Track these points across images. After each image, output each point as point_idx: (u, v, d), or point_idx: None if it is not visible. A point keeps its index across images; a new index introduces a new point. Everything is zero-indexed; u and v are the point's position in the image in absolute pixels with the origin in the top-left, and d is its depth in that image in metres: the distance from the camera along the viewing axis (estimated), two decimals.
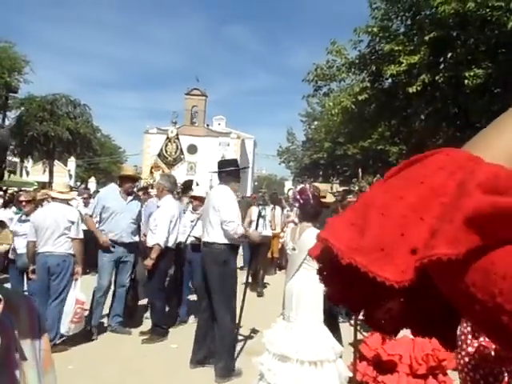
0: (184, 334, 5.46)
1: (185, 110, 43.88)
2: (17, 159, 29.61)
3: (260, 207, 9.07)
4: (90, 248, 6.43)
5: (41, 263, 5.04)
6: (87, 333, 5.35)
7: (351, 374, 3.31)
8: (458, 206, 0.37)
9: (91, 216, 5.82)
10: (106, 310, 5.74)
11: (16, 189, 14.12)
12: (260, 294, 8.58)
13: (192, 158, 41.52)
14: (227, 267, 4.49)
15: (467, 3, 8.22)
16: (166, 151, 10.69)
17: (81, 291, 5.08)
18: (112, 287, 5.77)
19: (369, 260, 0.39)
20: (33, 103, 27.05)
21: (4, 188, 12.58)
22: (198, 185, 7.79)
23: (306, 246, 3.37)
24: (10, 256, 6.39)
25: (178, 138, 10.95)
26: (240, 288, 4.81)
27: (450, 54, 9.28)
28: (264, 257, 9.48)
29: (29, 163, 34.72)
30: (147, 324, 5.87)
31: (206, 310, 4.62)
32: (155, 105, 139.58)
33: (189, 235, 6.23)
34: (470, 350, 2.24)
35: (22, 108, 27.28)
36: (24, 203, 6.39)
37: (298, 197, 3.73)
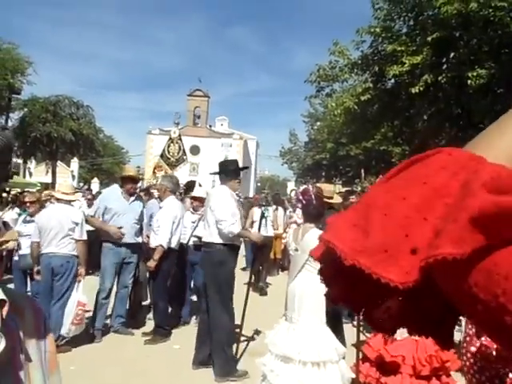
0: (186, 335, 5.46)
1: (187, 111, 43.93)
2: (20, 160, 29.69)
3: (263, 208, 9.07)
4: (94, 249, 6.45)
5: (44, 264, 5.05)
6: (89, 334, 5.35)
7: (354, 375, 3.31)
8: (463, 205, 0.37)
9: (93, 217, 5.82)
10: (108, 311, 5.75)
11: (19, 190, 14.17)
12: (263, 293, 8.61)
13: (194, 159, 41.55)
14: (223, 267, 4.48)
15: (470, 3, 8.21)
16: (169, 152, 10.70)
17: (83, 293, 5.09)
18: (114, 288, 5.77)
19: (372, 262, 0.38)
20: (36, 104, 27.15)
21: (7, 189, 12.62)
22: (200, 186, 7.78)
23: (308, 246, 3.36)
24: (15, 258, 6.42)
25: (180, 139, 10.96)
26: (243, 288, 4.81)
27: (452, 55, 9.25)
28: (266, 257, 9.48)
29: (32, 164, 34.85)
30: (150, 325, 5.87)
31: (207, 310, 4.63)
32: (158, 106, 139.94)
33: (191, 236, 6.23)
34: (473, 349, 2.23)
35: (25, 109, 27.39)
36: (28, 204, 6.41)
37: (301, 197, 3.73)
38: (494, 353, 2.12)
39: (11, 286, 5.85)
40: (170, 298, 5.88)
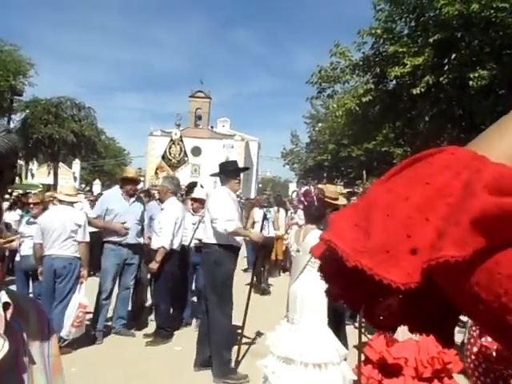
0: (188, 337, 5.46)
1: (189, 113, 44.04)
2: (22, 162, 29.74)
3: (265, 209, 9.09)
4: (95, 250, 6.45)
5: (47, 266, 5.06)
6: (91, 335, 5.35)
7: (356, 377, 3.30)
8: (465, 207, 0.37)
9: (95, 219, 5.83)
10: (109, 313, 5.75)
11: (21, 191, 14.17)
12: (265, 294, 8.62)
13: (196, 160, 41.62)
14: (220, 268, 4.47)
15: (471, 5, 8.20)
16: (170, 153, 10.72)
17: (85, 295, 5.08)
18: (116, 289, 5.77)
19: (374, 262, 0.38)
20: (38, 106, 27.21)
21: (9, 190, 12.63)
22: (202, 187, 7.79)
23: (310, 248, 3.36)
24: (16, 259, 6.42)
25: (181, 141, 10.98)
26: (244, 290, 4.80)
27: (454, 56, 9.24)
28: (268, 258, 9.48)
29: (34, 166, 34.91)
30: (151, 326, 5.87)
31: (206, 311, 4.63)
32: (159, 107, 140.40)
33: (192, 237, 6.23)
34: (475, 350, 2.23)
35: (27, 111, 27.45)
36: (32, 205, 6.42)
37: (303, 199, 3.73)
38: (494, 353, 2.11)
39: (13, 287, 5.86)
40: (172, 300, 5.88)
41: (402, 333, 2.93)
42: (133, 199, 5.84)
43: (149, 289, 6.59)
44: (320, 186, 5.31)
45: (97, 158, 36.25)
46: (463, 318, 0.49)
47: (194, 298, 6.60)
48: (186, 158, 10.93)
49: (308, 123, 32.81)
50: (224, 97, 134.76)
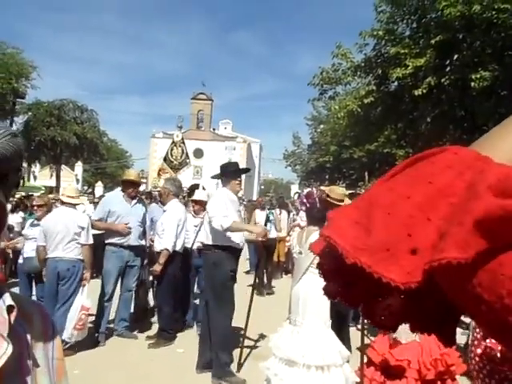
0: (190, 339, 5.46)
1: (191, 115, 44.11)
2: (24, 164, 29.83)
3: (268, 211, 9.11)
4: (97, 252, 6.45)
5: (50, 268, 5.06)
6: (93, 337, 5.35)
7: (358, 379, 3.29)
8: (468, 208, 0.36)
9: (98, 221, 5.83)
10: (112, 315, 5.75)
11: (23, 193, 14.21)
12: (269, 293, 8.62)
13: (198, 162, 41.66)
14: (218, 269, 4.46)
15: (473, 6, 8.20)
16: (172, 155, 10.74)
17: (87, 297, 5.07)
18: (118, 291, 5.77)
19: (374, 260, 0.38)
20: (40, 108, 27.32)
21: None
22: (204, 189, 7.79)
23: (310, 244, 3.36)
24: (19, 261, 6.43)
25: (183, 142, 11.01)
26: (247, 291, 4.79)
27: (456, 57, 9.24)
28: (270, 260, 9.48)
29: (36, 168, 34.99)
30: (154, 328, 5.86)
31: (206, 313, 4.62)
32: (161, 109, 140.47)
33: (195, 240, 6.23)
34: (479, 351, 2.22)
35: (30, 113, 27.58)
36: (36, 208, 6.43)
37: (305, 200, 3.73)
38: (499, 355, 2.11)
39: (16, 289, 5.86)
40: (175, 302, 5.88)
41: (405, 334, 2.92)
42: (135, 201, 5.85)
43: (151, 291, 6.60)
44: (324, 187, 5.31)
45: (99, 160, 36.32)
46: (466, 320, 0.49)
47: (197, 301, 6.59)
48: (187, 160, 10.95)
49: (310, 125, 32.86)
50: (226, 99, 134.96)
